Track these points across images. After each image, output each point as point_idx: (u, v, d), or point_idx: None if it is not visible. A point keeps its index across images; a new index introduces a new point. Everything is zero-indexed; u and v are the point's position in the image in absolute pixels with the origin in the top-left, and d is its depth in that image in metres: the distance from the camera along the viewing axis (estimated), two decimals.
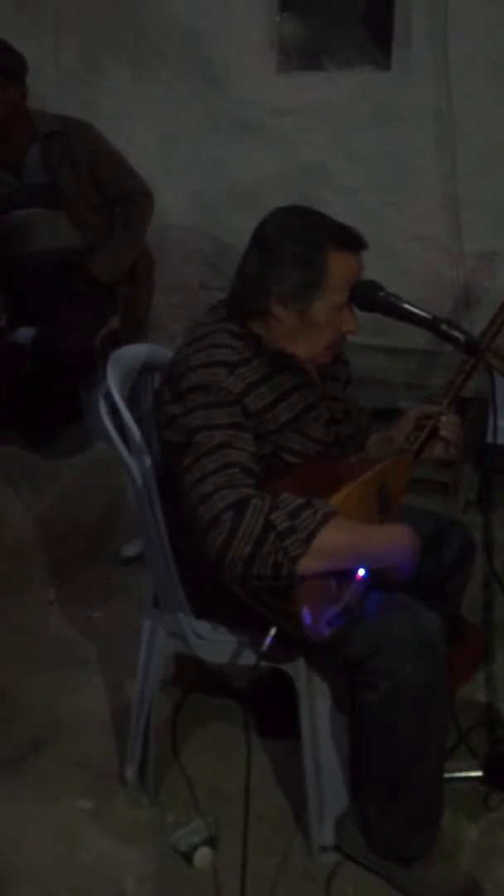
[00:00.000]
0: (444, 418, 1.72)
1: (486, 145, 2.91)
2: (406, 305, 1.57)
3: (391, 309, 1.57)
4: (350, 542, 1.45)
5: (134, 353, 1.90)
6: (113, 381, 1.73)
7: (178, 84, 3.23)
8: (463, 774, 1.93)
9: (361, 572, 1.51)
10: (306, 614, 1.42)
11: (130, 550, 2.73)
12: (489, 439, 2.09)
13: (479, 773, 1.91)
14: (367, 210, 3.09)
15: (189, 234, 3.41)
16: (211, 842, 1.84)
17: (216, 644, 1.78)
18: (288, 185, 3.10)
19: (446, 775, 1.87)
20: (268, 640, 1.50)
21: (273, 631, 1.50)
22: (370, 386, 3.10)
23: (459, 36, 2.81)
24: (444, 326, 1.53)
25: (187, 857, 1.81)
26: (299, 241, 1.54)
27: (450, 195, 3.02)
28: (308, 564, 1.39)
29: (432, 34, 2.85)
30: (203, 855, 1.80)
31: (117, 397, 1.69)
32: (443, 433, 1.72)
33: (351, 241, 1.57)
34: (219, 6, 3.07)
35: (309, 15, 3.04)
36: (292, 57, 3.10)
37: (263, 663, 1.61)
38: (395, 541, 1.51)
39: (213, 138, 3.25)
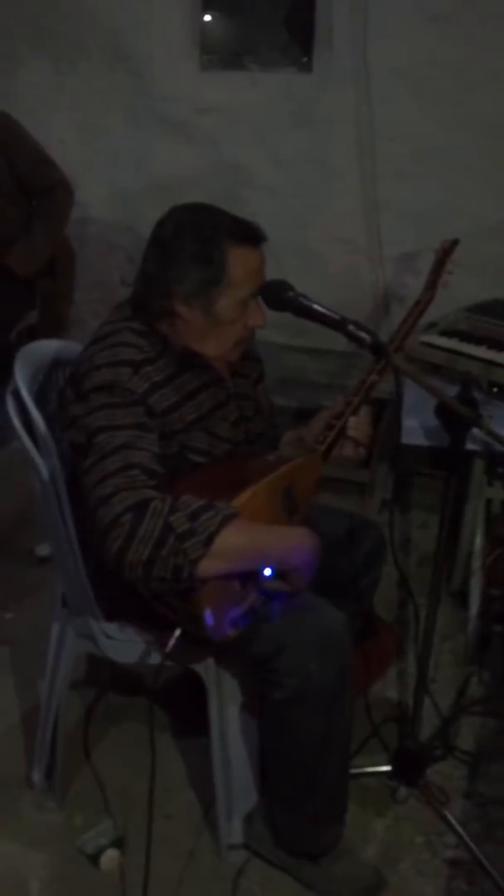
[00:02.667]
0: (352, 419, 1.74)
1: (405, 150, 2.95)
2: (315, 306, 1.57)
3: (300, 309, 1.58)
4: (250, 544, 1.45)
5: (44, 348, 1.86)
6: (21, 378, 1.69)
7: (100, 78, 3.19)
8: (371, 769, 1.97)
9: (267, 572, 1.51)
10: (209, 616, 1.42)
11: (45, 550, 2.69)
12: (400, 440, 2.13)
13: (387, 768, 1.94)
14: (288, 211, 3.11)
15: (110, 229, 3.37)
16: (118, 843, 1.82)
17: (125, 645, 1.76)
18: (210, 184, 3.09)
19: (355, 770, 1.90)
20: (172, 642, 1.49)
21: (178, 632, 1.49)
22: (291, 386, 3.13)
23: (380, 41, 2.85)
24: (351, 327, 1.54)
25: (94, 859, 1.79)
26: (198, 239, 1.53)
27: (370, 199, 3.06)
28: (208, 567, 1.38)
29: (353, 38, 2.88)
30: (110, 857, 1.79)
31: (25, 394, 1.66)
32: (350, 433, 1.74)
33: (250, 236, 1.56)
34: (140, 2, 3.04)
35: (232, 15, 3.04)
36: (215, 56, 3.09)
37: (173, 663, 1.60)
38: (295, 542, 1.52)
39: (134, 134, 3.22)
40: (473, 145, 2.88)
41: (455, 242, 2.28)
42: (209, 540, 1.37)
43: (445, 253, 2.22)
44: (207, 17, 3.04)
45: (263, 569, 1.49)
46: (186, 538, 1.36)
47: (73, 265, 3.25)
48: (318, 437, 1.73)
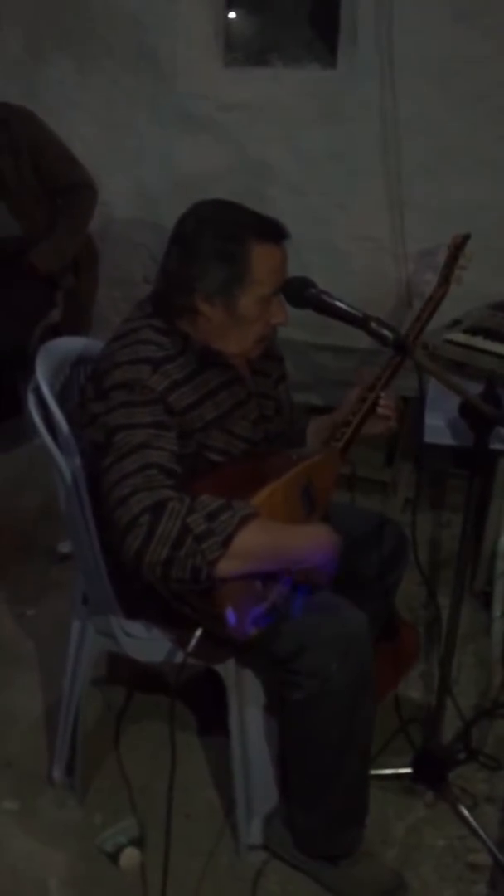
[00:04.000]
0: (382, 394, 1.74)
1: (431, 146, 2.91)
2: (337, 303, 1.56)
3: (322, 306, 1.56)
4: (269, 544, 1.43)
5: (66, 346, 1.86)
6: (42, 375, 1.69)
7: (124, 76, 3.19)
8: (392, 771, 1.95)
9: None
10: (230, 615, 1.41)
11: (67, 547, 2.69)
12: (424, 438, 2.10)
13: (408, 770, 1.92)
14: (312, 209, 3.09)
15: (133, 227, 3.37)
16: (138, 842, 1.82)
17: (145, 643, 1.76)
18: (233, 181, 3.08)
19: (376, 772, 1.89)
20: (193, 642, 1.48)
21: (199, 632, 1.49)
22: (314, 384, 3.11)
23: (405, 36, 2.81)
24: (373, 325, 1.53)
25: (113, 857, 1.79)
26: (220, 236, 1.52)
27: (394, 195, 3.03)
28: (226, 567, 1.37)
29: (378, 34, 2.85)
30: (129, 855, 1.79)
31: (46, 391, 1.66)
32: (379, 410, 1.74)
33: (272, 232, 1.55)
34: None
35: (256, 12, 3.03)
36: (239, 52, 3.07)
37: (194, 662, 1.60)
38: (315, 540, 1.50)
39: (158, 131, 3.22)
40: (500, 140, 2.84)
41: (466, 237, 2.25)
42: (227, 541, 1.36)
43: (457, 247, 2.20)
44: (232, 15, 3.02)
45: (283, 569, 1.48)
46: (204, 539, 1.35)
47: (96, 263, 3.26)
48: (336, 435, 1.71)
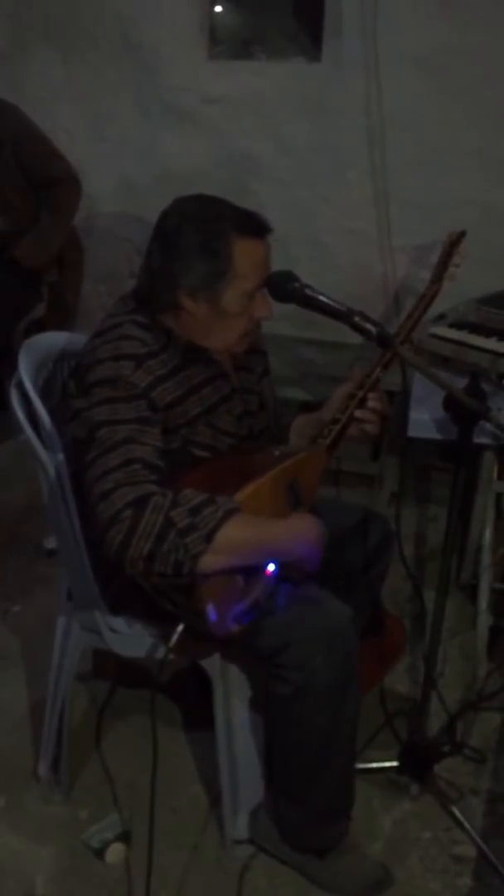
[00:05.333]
0: (370, 395, 1.72)
1: (416, 140, 2.91)
2: (320, 297, 1.56)
3: (305, 300, 1.56)
4: (252, 538, 1.43)
5: (50, 340, 1.85)
6: (25, 370, 1.68)
7: (108, 68, 3.17)
8: (378, 765, 1.96)
9: (271, 567, 1.50)
10: (211, 611, 1.41)
11: (52, 542, 2.68)
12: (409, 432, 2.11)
13: (394, 764, 1.93)
14: (297, 202, 3.08)
15: (118, 221, 3.35)
16: (124, 837, 1.82)
17: (130, 639, 1.76)
18: (218, 175, 3.07)
19: (362, 765, 1.89)
20: (175, 637, 1.48)
21: (181, 627, 1.48)
22: (300, 378, 3.11)
23: (390, 29, 2.81)
24: (357, 319, 1.53)
25: (99, 853, 1.79)
26: (202, 231, 1.51)
27: (380, 189, 3.02)
28: (209, 562, 1.37)
29: (363, 27, 2.84)
30: (115, 851, 1.79)
31: (29, 386, 1.65)
32: (357, 413, 1.71)
33: (255, 227, 1.54)
34: None
35: (241, 4, 3.01)
36: (223, 45, 3.06)
37: (178, 657, 1.59)
38: (298, 534, 1.50)
39: (142, 124, 3.20)
40: (486, 134, 2.84)
41: (462, 234, 2.25)
42: (210, 535, 1.36)
43: (452, 245, 2.20)
44: (218, 8, 3.00)
45: (267, 564, 1.48)
46: (188, 533, 1.35)
47: (80, 257, 3.25)
48: (323, 431, 1.71)
